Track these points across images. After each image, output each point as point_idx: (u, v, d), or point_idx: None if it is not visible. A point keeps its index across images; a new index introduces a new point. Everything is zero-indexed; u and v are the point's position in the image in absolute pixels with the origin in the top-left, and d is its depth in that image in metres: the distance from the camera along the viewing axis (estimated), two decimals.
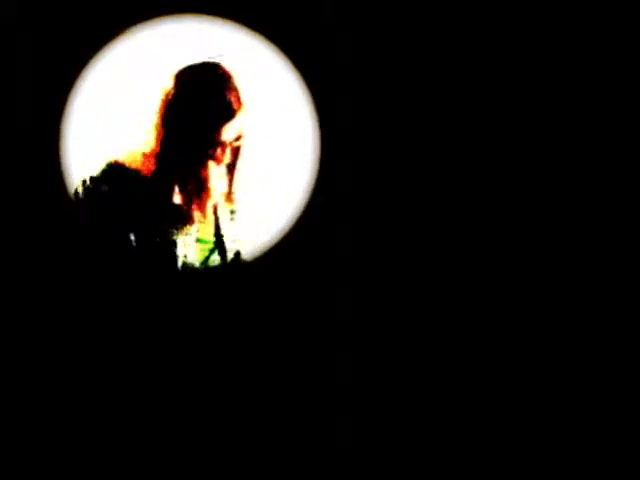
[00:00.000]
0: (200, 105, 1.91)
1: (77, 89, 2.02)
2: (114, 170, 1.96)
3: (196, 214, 2.00)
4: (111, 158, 1.96)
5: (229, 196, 2.03)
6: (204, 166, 1.95)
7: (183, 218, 1.99)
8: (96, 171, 1.95)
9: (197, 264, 2.01)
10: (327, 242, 2.08)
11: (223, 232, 2.06)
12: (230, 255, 2.05)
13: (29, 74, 2.02)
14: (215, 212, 2.05)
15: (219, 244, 2.05)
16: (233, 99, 1.93)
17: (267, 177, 2.09)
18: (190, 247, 2.01)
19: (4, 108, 2.02)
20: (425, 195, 2.09)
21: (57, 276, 2.00)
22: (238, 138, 1.97)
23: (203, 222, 2.01)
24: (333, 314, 2.07)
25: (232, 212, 2.07)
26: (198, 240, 2.02)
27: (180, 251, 1.99)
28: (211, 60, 1.97)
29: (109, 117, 2.05)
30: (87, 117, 2.04)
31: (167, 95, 1.94)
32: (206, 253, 2.04)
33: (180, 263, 1.98)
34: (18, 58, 2.03)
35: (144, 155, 1.96)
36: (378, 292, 2.08)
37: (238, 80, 1.96)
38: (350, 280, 2.08)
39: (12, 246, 2.01)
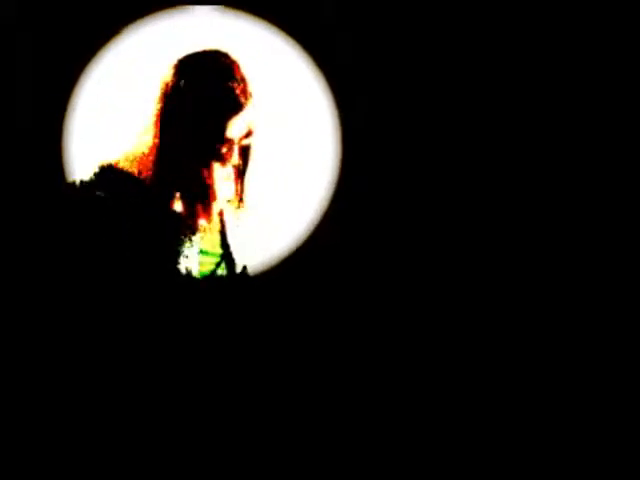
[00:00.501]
0: (203, 97, 1.75)
1: (77, 89, 1.98)
2: (109, 173, 1.83)
3: (200, 222, 1.85)
4: (106, 160, 1.84)
5: (237, 201, 1.89)
6: (208, 167, 1.80)
7: (185, 227, 1.84)
8: (90, 175, 1.84)
9: (201, 279, 1.87)
10: (346, 252, 1.99)
11: (230, 242, 1.92)
12: (238, 269, 1.92)
13: (29, 74, 2.01)
14: (221, 220, 1.92)
15: (226, 256, 1.92)
16: (240, 91, 1.77)
17: (280, 179, 1.99)
18: (193, 260, 1.86)
19: (4, 108, 2.00)
20: (447, 198, 2.03)
21: (55, 280, 1.90)
22: (247, 135, 1.81)
23: (208, 231, 1.88)
24: (349, 328, 2.00)
25: (240, 220, 1.94)
26: (202, 252, 1.88)
27: (182, 265, 1.84)
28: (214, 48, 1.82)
29: (109, 118, 1.98)
30: (87, 117, 1.98)
31: (166, 87, 1.80)
32: (211, 266, 1.90)
33: (182, 278, 1.84)
34: (18, 58, 2.01)
35: (142, 156, 1.82)
36: (397, 303, 2.01)
37: (245, 70, 1.80)
38: (367, 293, 2.00)
39: (12, 248, 1.96)
